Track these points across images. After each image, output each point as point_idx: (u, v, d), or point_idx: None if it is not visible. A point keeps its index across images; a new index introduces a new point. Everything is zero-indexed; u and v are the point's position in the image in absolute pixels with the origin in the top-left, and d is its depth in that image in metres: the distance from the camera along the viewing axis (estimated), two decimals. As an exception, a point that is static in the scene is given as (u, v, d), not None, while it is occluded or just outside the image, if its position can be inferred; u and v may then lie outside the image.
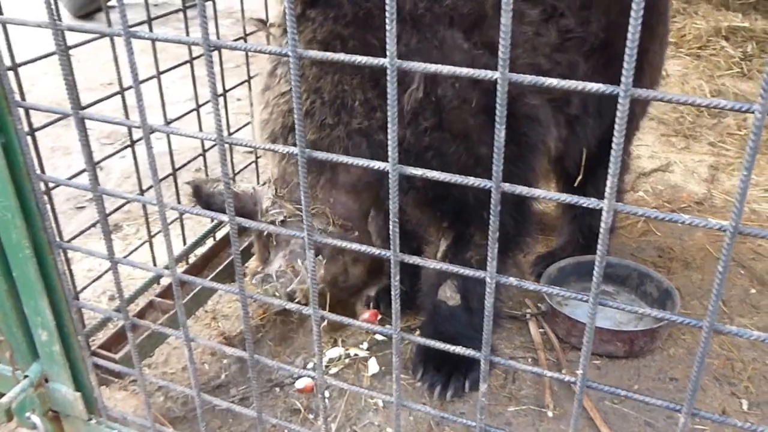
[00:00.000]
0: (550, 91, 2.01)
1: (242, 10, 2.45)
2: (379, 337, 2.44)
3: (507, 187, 1.04)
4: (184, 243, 2.45)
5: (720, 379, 2.28)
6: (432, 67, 0.99)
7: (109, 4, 3.87)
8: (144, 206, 2.25)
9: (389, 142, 1.06)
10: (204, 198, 1.93)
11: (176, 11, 2.20)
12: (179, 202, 2.40)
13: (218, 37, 2.39)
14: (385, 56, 1.90)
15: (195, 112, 2.38)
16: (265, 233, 1.93)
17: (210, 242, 2.58)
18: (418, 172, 1.08)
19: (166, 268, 1.42)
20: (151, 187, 2.22)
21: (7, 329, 1.68)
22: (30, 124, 1.80)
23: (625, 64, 0.86)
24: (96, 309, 1.59)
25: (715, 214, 3.21)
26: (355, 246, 1.25)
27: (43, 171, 1.95)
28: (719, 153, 3.75)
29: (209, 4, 2.43)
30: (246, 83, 2.61)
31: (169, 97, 2.34)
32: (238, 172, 2.75)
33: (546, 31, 2.01)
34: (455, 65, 1.92)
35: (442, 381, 2.19)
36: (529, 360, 2.36)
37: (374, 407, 2.17)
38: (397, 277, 1.20)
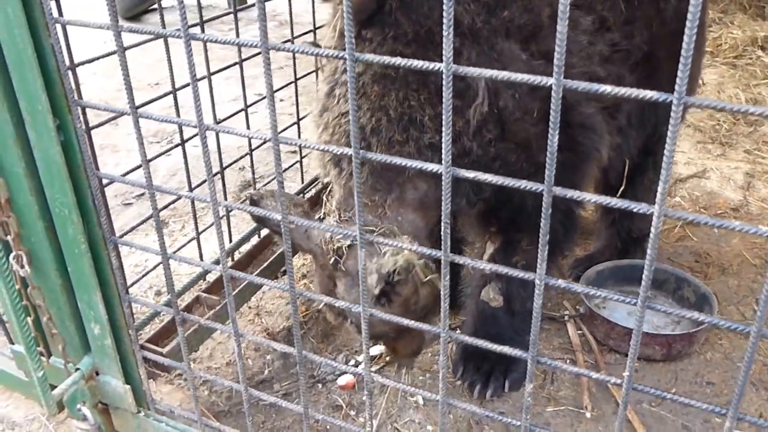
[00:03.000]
0: (602, 99, 2.03)
1: (290, 14, 2.50)
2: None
3: (558, 190, 1.07)
4: (230, 240, 2.50)
5: (757, 384, 2.28)
6: (488, 72, 1.01)
7: (154, 7, 3.98)
8: (192, 203, 2.30)
9: (443, 144, 1.09)
10: (258, 217, 1.95)
11: (227, 14, 2.25)
12: (226, 200, 2.46)
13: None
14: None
15: (242, 113, 2.43)
16: (331, 262, 1.90)
17: (254, 240, 2.63)
18: (470, 174, 1.10)
19: (217, 263, 1.46)
20: (200, 184, 2.29)
21: (61, 323, 1.73)
22: (86, 122, 1.86)
23: (679, 72, 0.88)
24: (147, 304, 1.63)
25: (751, 221, 3.19)
26: (406, 246, 1.27)
27: (96, 167, 2.02)
28: (755, 161, 3.72)
29: (253, 8, 2.48)
30: (291, 84, 2.67)
31: (215, 98, 2.39)
32: (283, 171, 2.79)
33: (597, 41, 2.02)
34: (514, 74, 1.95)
35: (482, 380, 2.21)
36: (567, 361, 2.37)
37: (414, 405, 2.20)
38: (447, 277, 1.23)
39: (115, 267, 1.61)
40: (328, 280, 1.94)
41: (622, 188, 2.48)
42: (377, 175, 1.87)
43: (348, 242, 1.84)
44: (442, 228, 1.16)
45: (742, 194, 3.40)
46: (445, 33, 0.97)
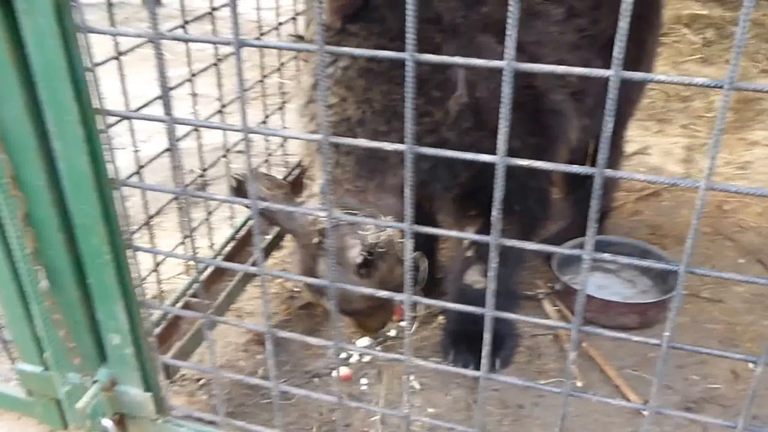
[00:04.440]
0: (570, 85, 2.15)
1: (258, 10, 2.51)
2: (403, 322, 2.54)
3: (609, 172, 1.16)
4: (212, 245, 2.50)
5: (724, 342, 2.47)
6: (549, 68, 1.09)
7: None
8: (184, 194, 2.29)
9: (500, 137, 1.16)
10: (244, 194, 1.99)
11: (206, 14, 2.23)
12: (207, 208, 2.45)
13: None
14: (429, 69, 1.98)
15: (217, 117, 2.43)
16: (315, 242, 1.98)
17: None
18: (524, 162, 1.19)
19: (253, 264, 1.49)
20: (190, 183, 2.27)
21: (77, 335, 1.71)
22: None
23: (732, 60, 0.98)
24: (170, 310, 1.64)
25: (696, 191, 3.42)
26: (454, 234, 1.35)
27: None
28: (691, 135, 3.99)
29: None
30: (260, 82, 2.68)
31: (182, 113, 2.38)
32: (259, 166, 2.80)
33: (566, 29, 2.14)
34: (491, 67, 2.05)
35: (475, 361, 2.31)
36: (550, 337, 2.50)
37: (412, 390, 2.27)
38: (496, 260, 1.31)
39: (137, 275, 1.61)
40: (309, 259, 2.04)
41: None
42: (362, 163, 1.97)
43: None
44: (494, 213, 1.24)
45: (684, 167, 3.65)
46: (508, 33, 1.05)
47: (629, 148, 3.82)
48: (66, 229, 1.54)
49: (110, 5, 1.81)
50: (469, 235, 1.90)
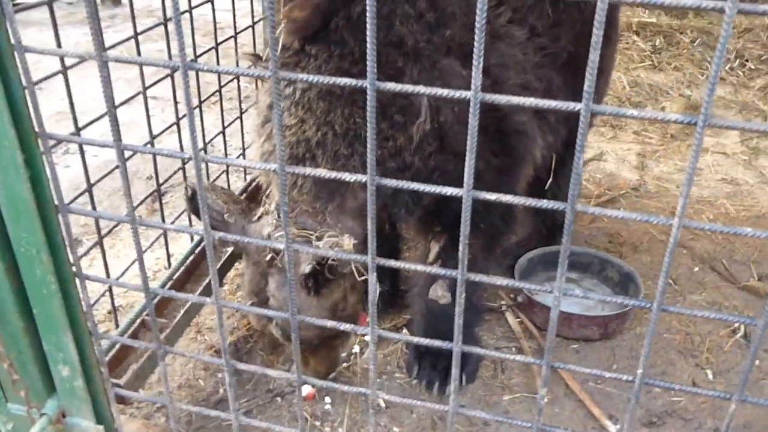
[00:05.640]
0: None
1: (214, 22, 2.43)
2: (367, 338, 2.50)
3: (580, 207, 1.12)
4: (168, 257, 2.42)
5: (683, 353, 2.49)
6: (515, 100, 1.05)
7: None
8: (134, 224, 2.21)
9: (466, 170, 1.12)
10: (196, 206, 1.92)
11: (160, 24, 2.14)
12: (163, 218, 2.37)
13: (195, 52, 2.35)
14: (392, 94, 1.94)
15: (174, 127, 2.35)
16: (267, 259, 1.91)
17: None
18: (491, 197, 1.14)
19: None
20: (141, 203, 2.17)
21: (22, 367, 1.62)
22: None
23: (705, 97, 0.95)
24: (121, 340, 1.56)
25: (651, 199, 3.47)
26: (420, 267, 1.30)
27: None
28: (644, 141, 4.04)
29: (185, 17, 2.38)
30: (217, 92, 2.61)
31: (139, 114, 2.30)
32: (215, 180, 2.73)
33: (528, 50, 2.12)
34: (454, 89, 2.02)
35: (441, 377, 2.28)
36: (513, 349, 2.49)
37: (377, 408, 2.23)
38: (463, 296, 1.27)
39: (87, 304, 1.53)
40: (259, 277, 1.97)
41: (550, 181, 2.62)
42: (320, 185, 1.91)
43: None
44: (461, 248, 1.20)
45: (638, 174, 3.69)
46: (475, 63, 1.00)
47: (586, 154, 3.85)
48: (7, 258, 1.45)
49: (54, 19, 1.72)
50: (435, 269, 1.84)
